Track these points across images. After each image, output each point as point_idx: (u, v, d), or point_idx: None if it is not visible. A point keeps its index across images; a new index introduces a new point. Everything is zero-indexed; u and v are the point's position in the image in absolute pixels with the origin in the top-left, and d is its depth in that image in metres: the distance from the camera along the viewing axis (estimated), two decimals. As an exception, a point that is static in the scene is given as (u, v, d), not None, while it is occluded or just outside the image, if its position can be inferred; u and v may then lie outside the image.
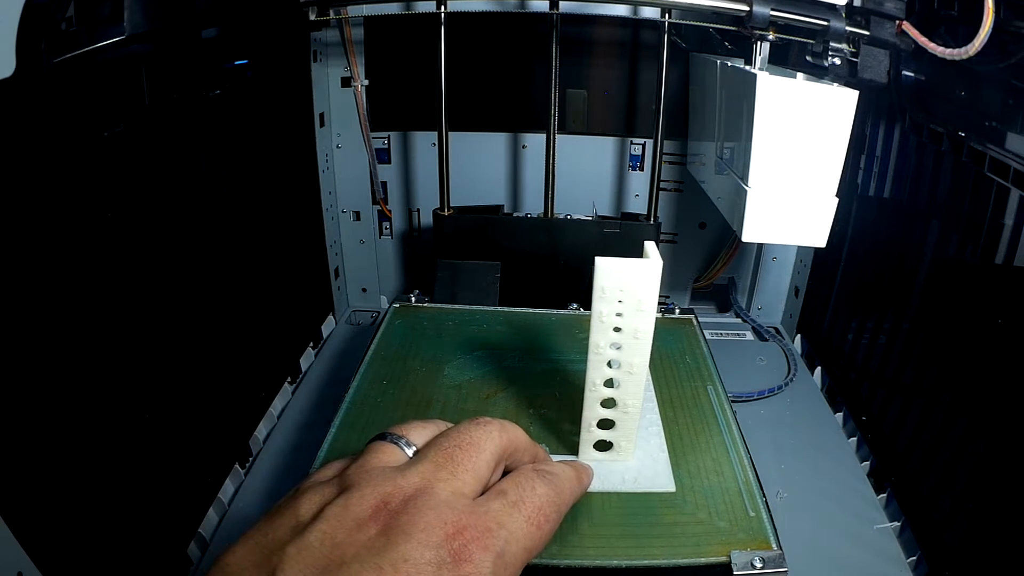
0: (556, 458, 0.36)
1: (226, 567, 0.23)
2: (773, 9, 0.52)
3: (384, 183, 0.84)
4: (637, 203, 0.83)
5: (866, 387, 0.65)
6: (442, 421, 0.32)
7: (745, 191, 0.52)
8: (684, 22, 0.69)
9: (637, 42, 0.76)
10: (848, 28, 0.52)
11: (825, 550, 0.52)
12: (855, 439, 0.65)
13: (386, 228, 0.87)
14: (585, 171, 0.81)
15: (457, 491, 0.26)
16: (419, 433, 0.30)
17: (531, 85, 0.77)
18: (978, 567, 0.46)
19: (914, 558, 0.52)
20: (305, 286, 0.78)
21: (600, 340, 0.38)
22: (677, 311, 0.63)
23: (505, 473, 0.31)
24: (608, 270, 0.35)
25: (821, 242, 0.53)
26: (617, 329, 0.37)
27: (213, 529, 0.53)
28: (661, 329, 0.53)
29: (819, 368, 0.75)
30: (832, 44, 0.53)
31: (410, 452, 0.29)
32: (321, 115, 0.78)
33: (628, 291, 0.36)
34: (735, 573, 0.36)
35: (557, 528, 0.29)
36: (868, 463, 0.61)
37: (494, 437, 0.29)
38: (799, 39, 0.56)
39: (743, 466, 0.43)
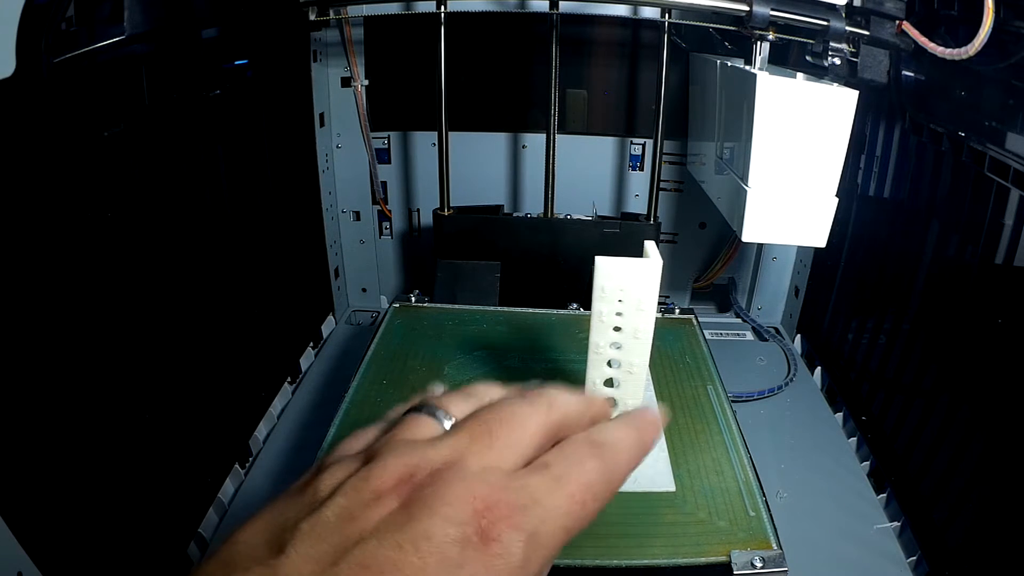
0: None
1: (236, 543, 0.22)
2: (773, 9, 0.52)
3: (384, 183, 0.84)
4: (637, 203, 0.83)
5: (866, 387, 0.65)
6: (489, 389, 0.29)
7: (745, 191, 0.52)
8: (684, 22, 0.69)
9: (637, 42, 0.76)
10: (848, 28, 0.52)
11: (825, 550, 0.52)
12: (855, 439, 0.65)
13: (386, 228, 0.87)
14: (585, 171, 0.81)
15: (491, 465, 0.24)
16: (460, 405, 0.27)
17: (531, 85, 0.77)
18: (978, 567, 0.46)
19: (914, 558, 0.52)
20: (305, 286, 0.78)
21: (600, 340, 0.38)
22: (677, 311, 0.63)
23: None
24: (608, 269, 0.35)
25: (821, 242, 0.53)
26: (617, 329, 0.37)
27: (213, 529, 0.54)
28: (661, 329, 0.53)
29: (819, 368, 0.75)
30: (832, 44, 0.53)
31: (447, 425, 0.27)
32: (321, 115, 0.78)
33: (628, 290, 0.36)
34: (735, 573, 0.36)
35: (606, 504, 0.26)
36: (868, 463, 0.61)
37: (541, 415, 0.26)
38: (799, 39, 0.56)
39: (743, 466, 0.43)
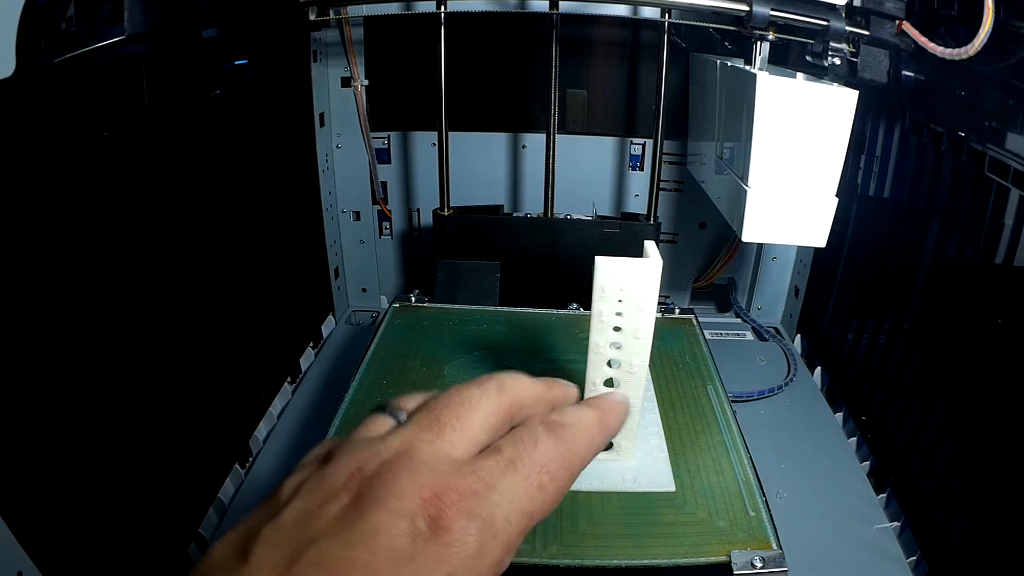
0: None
1: (211, 555, 0.22)
2: (773, 9, 0.52)
3: (384, 183, 0.84)
4: (637, 203, 0.83)
5: (866, 387, 0.65)
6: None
7: (745, 191, 0.52)
8: (684, 22, 0.69)
9: (637, 42, 0.76)
10: (848, 28, 0.52)
11: (825, 550, 0.52)
12: (855, 439, 0.65)
13: (386, 228, 0.87)
14: (585, 171, 0.81)
15: (441, 452, 0.24)
16: (414, 401, 0.27)
17: (531, 85, 0.77)
18: (978, 567, 0.46)
19: (914, 558, 0.52)
20: (305, 286, 0.78)
21: (600, 340, 0.38)
22: (677, 311, 0.63)
23: None
24: (608, 269, 0.35)
25: (821, 242, 0.53)
26: (617, 329, 0.37)
27: (213, 529, 0.53)
28: (661, 329, 0.53)
29: (819, 368, 0.75)
30: (832, 44, 0.53)
31: (403, 420, 0.26)
32: (321, 115, 0.78)
33: (628, 290, 0.36)
34: (735, 573, 0.36)
35: (568, 487, 0.26)
36: (868, 463, 0.61)
37: (491, 397, 0.26)
38: (799, 39, 0.56)
39: (743, 466, 0.43)
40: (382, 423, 0.26)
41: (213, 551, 0.22)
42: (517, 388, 0.27)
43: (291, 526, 0.22)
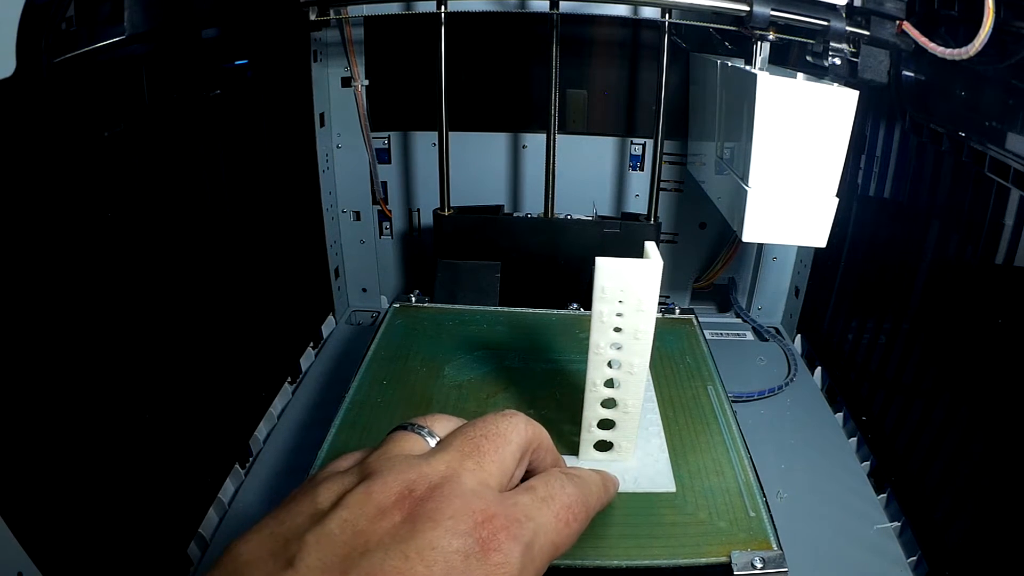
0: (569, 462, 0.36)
1: (239, 556, 0.22)
2: (773, 9, 0.52)
3: (384, 183, 0.84)
4: (637, 203, 0.83)
5: (866, 387, 0.65)
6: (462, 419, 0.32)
7: (745, 191, 0.52)
8: (684, 22, 0.69)
9: (637, 42, 0.76)
10: (848, 28, 0.52)
11: (825, 550, 0.52)
12: (855, 439, 0.65)
13: (386, 228, 0.87)
14: (585, 171, 0.81)
15: (484, 481, 0.26)
16: (442, 424, 0.30)
17: (531, 85, 0.77)
18: (978, 567, 0.46)
19: (914, 558, 0.52)
20: (305, 286, 0.78)
21: (600, 340, 0.38)
22: (677, 311, 0.63)
23: (528, 475, 0.30)
24: (608, 270, 0.35)
25: (821, 242, 0.53)
26: (617, 329, 0.37)
27: (213, 529, 0.53)
28: (661, 329, 0.53)
29: (819, 368, 0.75)
30: (832, 44, 0.53)
31: (432, 442, 0.29)
32: (321, 115, 0.78)
33: (628, 291, 0.36)
34: (735, 573, 0.36)
35: (583, 530, 0.29)
36: (868, 463, 0.61)
37: (520, 430, 0.29)
38: (799, 39, 0.56)
39: (743, 466, 0.43)
40: (414, 441, 0.29)
41: (239, 552, 0.23)
42: (539, 427, 0.31)
43: (339, 535, 0.23)
